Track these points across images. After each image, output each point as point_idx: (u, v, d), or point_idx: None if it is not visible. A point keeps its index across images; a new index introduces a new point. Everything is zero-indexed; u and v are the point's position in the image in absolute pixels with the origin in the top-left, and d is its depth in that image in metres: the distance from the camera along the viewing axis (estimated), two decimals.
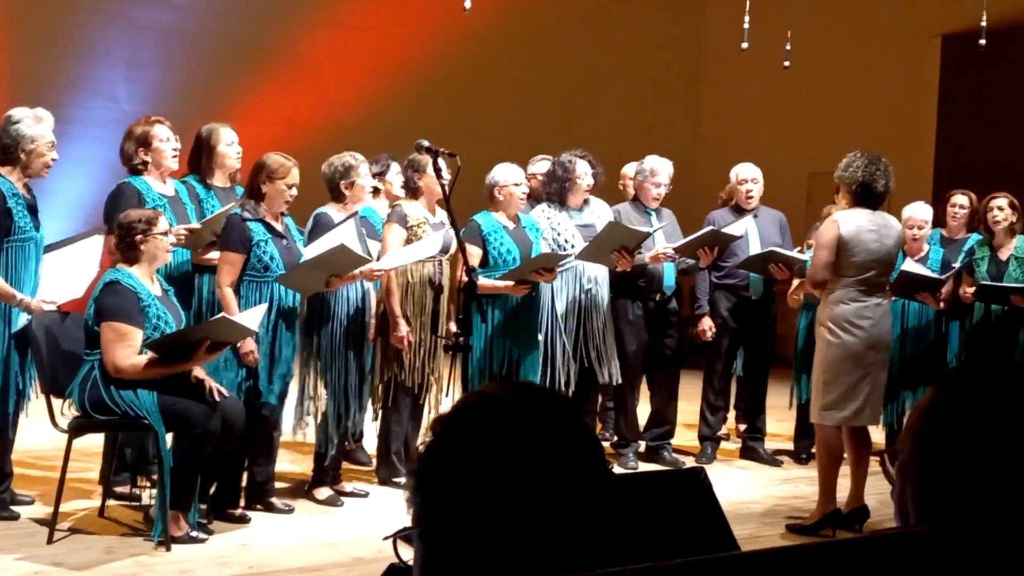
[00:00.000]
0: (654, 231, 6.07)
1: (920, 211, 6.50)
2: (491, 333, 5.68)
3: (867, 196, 5.09)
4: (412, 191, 5.64)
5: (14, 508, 4.95)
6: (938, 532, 1.34)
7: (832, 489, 5.20)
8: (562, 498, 1.18)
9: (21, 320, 4.86)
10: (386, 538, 1.27)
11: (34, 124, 4.89)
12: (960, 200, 6.69)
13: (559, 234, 6.08)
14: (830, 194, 6.79)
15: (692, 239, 6.24)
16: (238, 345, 4.84)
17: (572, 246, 6.00)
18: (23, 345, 4.87)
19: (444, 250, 5.61)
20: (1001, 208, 6.37)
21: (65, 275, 5.02)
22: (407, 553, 1.25)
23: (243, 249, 4.95)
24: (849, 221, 5.07)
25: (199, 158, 5.40)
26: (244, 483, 5.16)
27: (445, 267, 5.69)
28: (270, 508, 5.15)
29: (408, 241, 5.51)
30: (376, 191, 5.88)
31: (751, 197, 6.63)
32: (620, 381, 6.25)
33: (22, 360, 4.88)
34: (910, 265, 6.24)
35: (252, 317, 4.70)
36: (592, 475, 1.21)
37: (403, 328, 5.48)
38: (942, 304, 6.32)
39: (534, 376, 5.76)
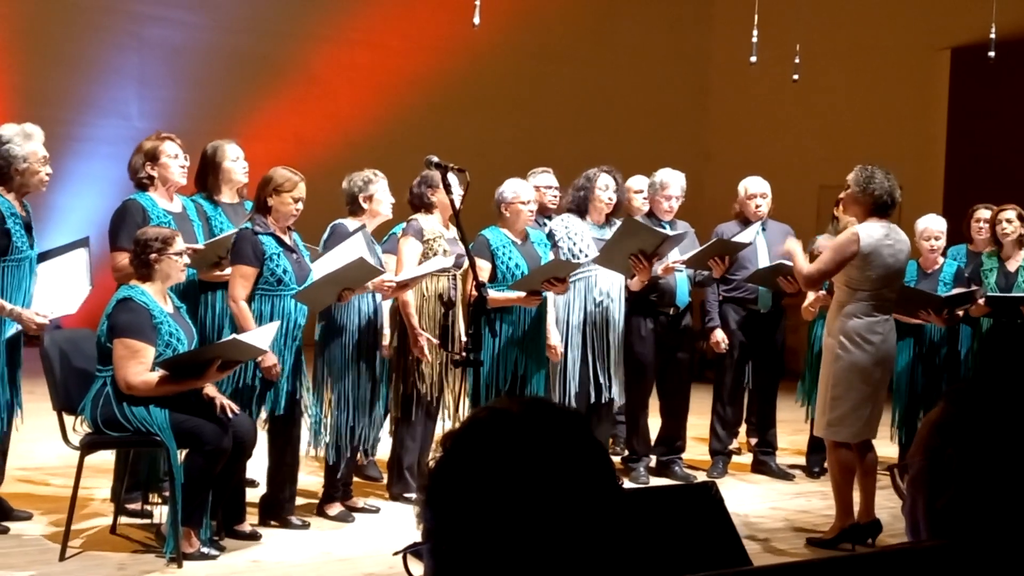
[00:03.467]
0: (672, 234, 6.06)
1: (936, 223, 6.47)
2: (500, 348, 5.68)
3: (889, 207, 5.07)
4: (426, 207, 5.66)
5: (6, 523, 4.94)
6: (949, 547, 1.34)
7: (848, 503, 5.18)
8: (572, 514, 1.18)
9: (11, 330, 4.85)
10: (396, 553, 1.28)
11: (24, 142, 4.86)
12: (985, 214, 6.67)
13: (575, 243, 6.06)
14: None
15: (701, 250, 6.23)
16: (258, 360, 4.85)
17: (586, 256, 5.99)
18: (13, 356, 4.88)
19: (458, 264, 5.62)
20: (1010, 221, 6.36)
21: (54, 289, 5.02)
22: (417, 569, 1.25)
23: (256, 263, 4.97)
24: (869, 235, 5.02)
25: (205, 176, 5.42)
26: (257, 499, 5.17)
27: (459, 282, 5.69)
28: (285, 524, 5.15)
29: (424, 255, 5.53)
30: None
31: (760, 211, 6.62)
32: (622, 401, 6.24)
33: (11, 371, 4.88)
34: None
35: (263, 336, 4.71)
36: (602, 491, 1.21)
37: (423, 339, 5.48)
38: (949, 315, 6.29)
39: (542, 391, 5.74)
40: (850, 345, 5.07)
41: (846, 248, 5.03)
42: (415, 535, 1.26)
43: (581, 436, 1.23)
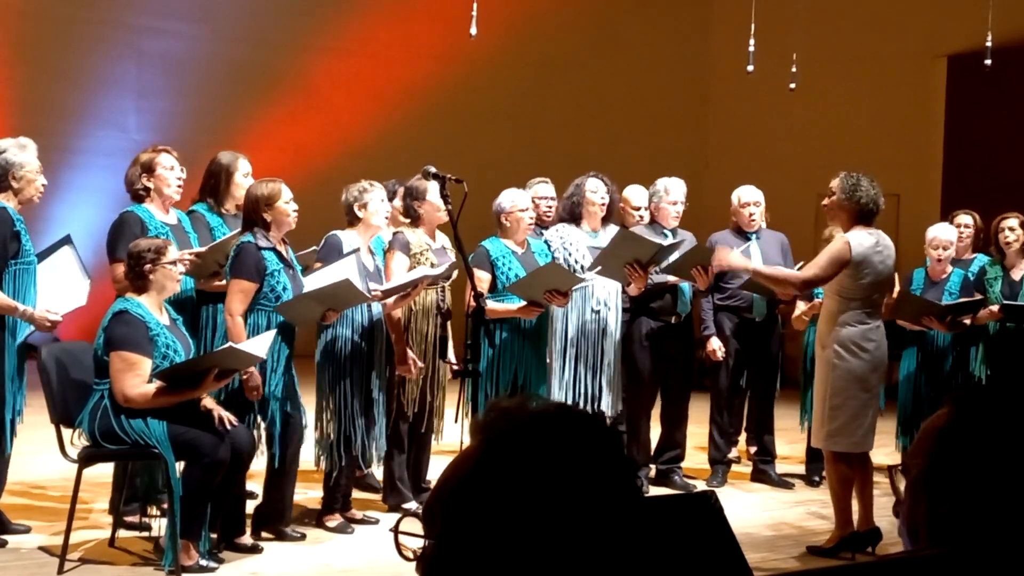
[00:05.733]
0: (667, 244, 6.04)
1: (945, 232, 6.43)
2: (498, 358, 5.66)
3: (874, 214, 5.10)
4: (412, 219, 5.65)
5: (5, 537, 4.93)
6: (950, 555, 1.34)
7: (847, 512, 5.17)
8: (594, 524, 1.17)
9: (26, 332, 4.90)
10: (392, 530, 1.26)
11: (19, 152, 4.94)
12: (964, 220, 6.66)
13: (570, 254, 6.04)
14: None
15: (678, 258, 6.19)
16: (243, 377, 4.84)
17: (582, 267, 5.97)
18: (24, 361, 4.90)
19: (447, 276, 5.61)
20: (1012, 229, 6.34)
21: (52, 288, 5.06)
22: (408, 550, 1.23)
23: (257, 278, 4.95)
24: (859, 243, 5.04)
25: (216, 184, 5.42)
26: (251, 510, 5.15)
27: (447, 292, 5.68)
28: (281, 536, 5.13)
29: (412, 269, 5.52)
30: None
31: (753, 220, 6.61)
32: (614, 412, 6.19)
33: (20, 376, 4.90)
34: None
35: (259, 344, 4.70)
36: (624, 503, 1.19)
37: (411, 359, 5.48)
38: (952, 322, 6.28)
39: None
40: (846, 354, 5.06)
41: (840, 255, 5.04)
42: (413, 538, 1.24)
43: (610, 447, 1.21)
